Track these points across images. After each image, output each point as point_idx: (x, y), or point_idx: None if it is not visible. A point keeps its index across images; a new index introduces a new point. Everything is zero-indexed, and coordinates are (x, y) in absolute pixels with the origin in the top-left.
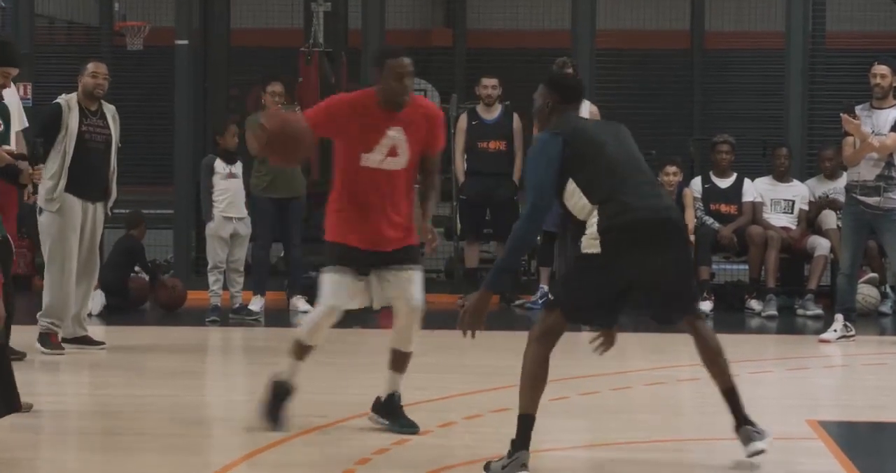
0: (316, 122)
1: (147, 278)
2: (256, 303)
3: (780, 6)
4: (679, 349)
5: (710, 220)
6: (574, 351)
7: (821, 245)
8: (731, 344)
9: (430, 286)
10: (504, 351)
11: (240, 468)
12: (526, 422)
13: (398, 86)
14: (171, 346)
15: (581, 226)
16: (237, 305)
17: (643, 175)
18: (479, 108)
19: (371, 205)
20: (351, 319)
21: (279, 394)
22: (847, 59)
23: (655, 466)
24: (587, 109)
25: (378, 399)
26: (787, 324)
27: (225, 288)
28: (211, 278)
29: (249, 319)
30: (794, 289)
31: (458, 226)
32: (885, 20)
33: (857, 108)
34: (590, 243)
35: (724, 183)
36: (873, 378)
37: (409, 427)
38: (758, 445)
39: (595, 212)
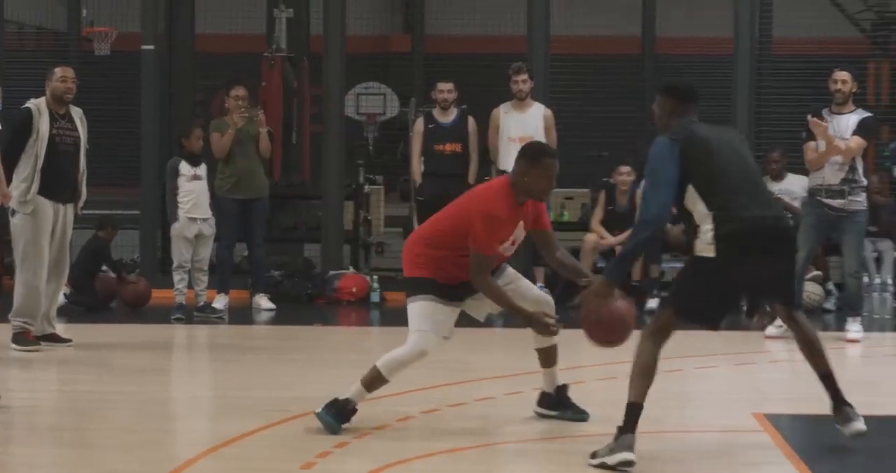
0: (493, 249)
1: (114, 277)
2: (220, 302)
3: (728, 13)
4: (631, 345)
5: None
6: (529, 349)
7: None
8: (678, 340)
9: (390, 284)
10: (460, 347)
11: (204, 461)
12: (634, 410)
13: (549, 186)
14: (137, 343)
15: (693, 229)
16: (202, 303)
17: (756, 183)
18: (436, 112)
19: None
20: (313, 317)
21: (345, 413)
22: (793, 65)
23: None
24: (541, 112)
25: (544, 394)
26: (733, 321)
27: (190, 286)
28: (176, 277)
29: (213, 317)
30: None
31: (416, 225)
32: (830, 26)
33: (824, 111)
34: (705, 247)
35: None
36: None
37: (581, 414)
38: (858, 425)
39: (710, 217)
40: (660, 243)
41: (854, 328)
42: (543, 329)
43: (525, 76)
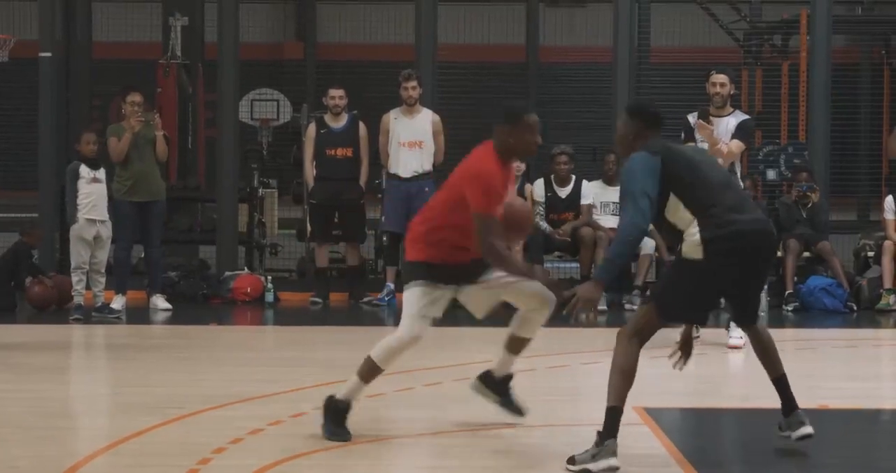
0: (492, 208)
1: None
2: (118, 302)
3: (608, 22)
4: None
5: (543, 225)
6: (421, 347)
7: (646, 244)
8: (564, 337)
9: (283, 285)
10: (352, 346)
11: (102, 457)
12: (615, 414)
13: (536, 139)
14: (36, 343)
15: (678, 236)
16: (100, 304)
17: (738, 188)
18: (328, 117)
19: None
20: (208, 317)
21: (338, 412)
22: (670, 73)
23: (495, 451)
24: (430, 118)
25: (490, 374)
26: (617, 318)
27: (88, 287)
28: (74, 278)
29: (111, 317)
30: (623, 286)
31: (309, 228)
32: (705, 36)
33: (691, 117)
34: (692, 249)
35: (564, 191)
36: (694, 367)
37: (519, 412)
38: (805, 429)
39: (695, 222)
40: (542, 245)
41: (735, 334)
42: (555, 289)
43: (414, 83)
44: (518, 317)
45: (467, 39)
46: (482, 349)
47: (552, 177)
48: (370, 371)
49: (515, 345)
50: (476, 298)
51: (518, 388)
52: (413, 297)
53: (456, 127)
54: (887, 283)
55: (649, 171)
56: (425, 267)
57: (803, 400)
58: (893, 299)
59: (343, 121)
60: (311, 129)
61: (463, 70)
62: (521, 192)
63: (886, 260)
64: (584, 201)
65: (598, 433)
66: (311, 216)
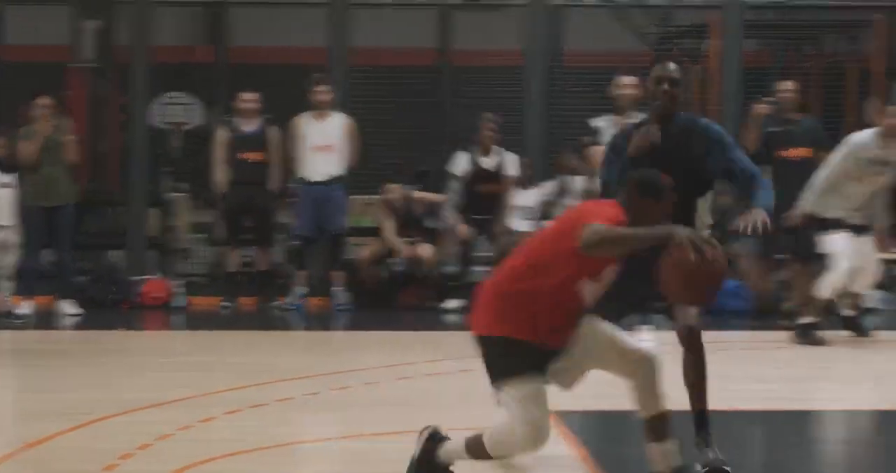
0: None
1: None
2: (26, 307)
3: (521, 26)
4: (422, 345)
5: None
6: (325, 349)
7: None
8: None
9: (194, 289)
10: (262, 350)
11: (7, 464)
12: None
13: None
14: None
15: None
16: (7, 309)
17: None
18: (239, 121)
19: None
20: (118, 321)
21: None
22: (582, 76)
23: (404, 453)
24: (341, 122)
25: None
26: None
27: None
28: None
29: (18, 322)
30: None
31: (221, 232)
32: (618, 39)
33: (600, 120)
34: None
35: (488, 161)
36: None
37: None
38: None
39: None
40: None
41: (645, 337)
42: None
43: (325, 87)
44: (631, 394)
45: (380, 43)
46: (390, 353)
47: (476, 147)
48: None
49: (654, 431)
50: (566, 370)
51: (429, 393)
52: (529, 393)
53: (368, 131)
54: None
55: None
56: (528, 349)
57: (714, 401)
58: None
59: (255, 124)
60: (223, 133)
61: (376, 74)
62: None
63: None
64: (508, 173)
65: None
66: (226, 220)
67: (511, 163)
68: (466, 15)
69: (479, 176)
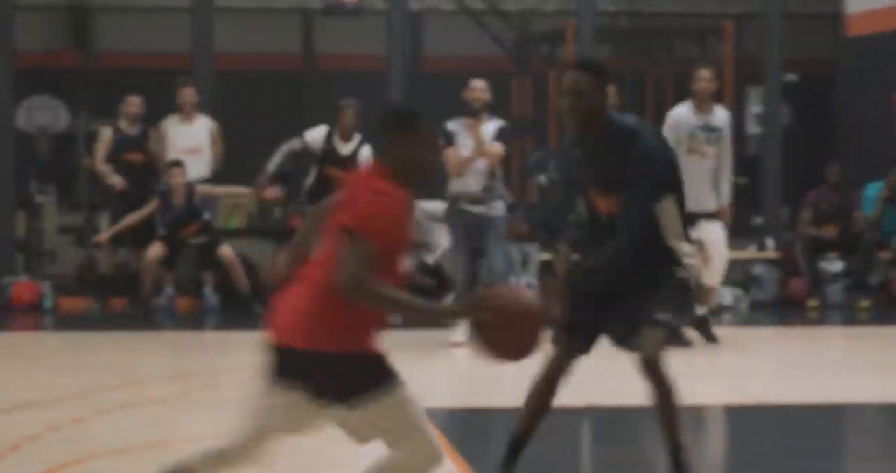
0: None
1: None
2: None
3: (382, 31)
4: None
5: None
6: (195, 349)
7: None
8: None
9: (62, 290)
10: (133, 350)
11: None
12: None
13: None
14: None
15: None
16: None
17: None
18: (123, 124)
19: None
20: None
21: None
22: (443, 81)
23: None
24: (207, 125)
25: None
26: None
27: None
28: None
29: None
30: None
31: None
32: (478, 44)
33: (453, 123)
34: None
35: (346, 147)
36: (467, 368)
37: None
38: None
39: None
40: None
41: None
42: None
43: (190, 90)
44: None
45: (245, 48)
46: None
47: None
48: None
49: None
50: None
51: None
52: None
53: (234, 135)
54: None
55: None
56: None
57: (595, 398)
58: None
59: (137, 128)
60: (107, 134)
61: (241, 78)
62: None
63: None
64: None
65: None
66: (113, 220)
67: (366, 154)
68: (329, 20)
69: (332, 158)
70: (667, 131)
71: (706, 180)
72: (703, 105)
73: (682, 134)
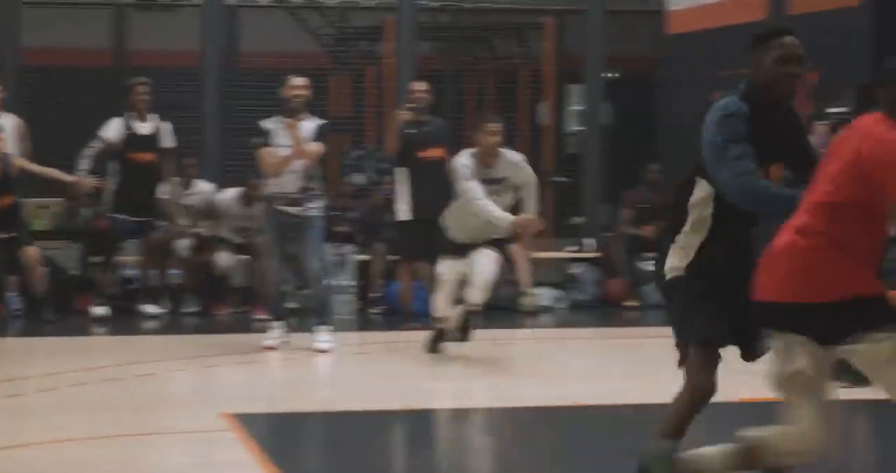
0: None
1: None
2: None
3: (197, 25)
4: (105, 350)
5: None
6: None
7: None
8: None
9: None
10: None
11: None
12: None
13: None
14: None
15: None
16: None
17: None
18: None
19: None
20: None
21: None
22: (259, 77)
23: (78, 463)
24: (11, 123)
25: None
26: (206, 324)
27: None
28: None
29: None
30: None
31: None
32: (296, 39)
33: (270, 122)
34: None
35: (144, 127)
36: (280, 372)
37: None
38: None
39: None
40: None
41: (324, 337)
42: None
43: None
44: None
45: (53, 43)
46: (70, 359)
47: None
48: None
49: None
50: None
51: (109, 398)
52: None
53: (42, 133)
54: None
55: None
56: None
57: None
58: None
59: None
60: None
61: (49, 74)
62: None
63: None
64: (165, 144)
65: None
66: None
67: (167, 133)
68: (142, 15)
69: (134, 143)
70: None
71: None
72: (488, 159)
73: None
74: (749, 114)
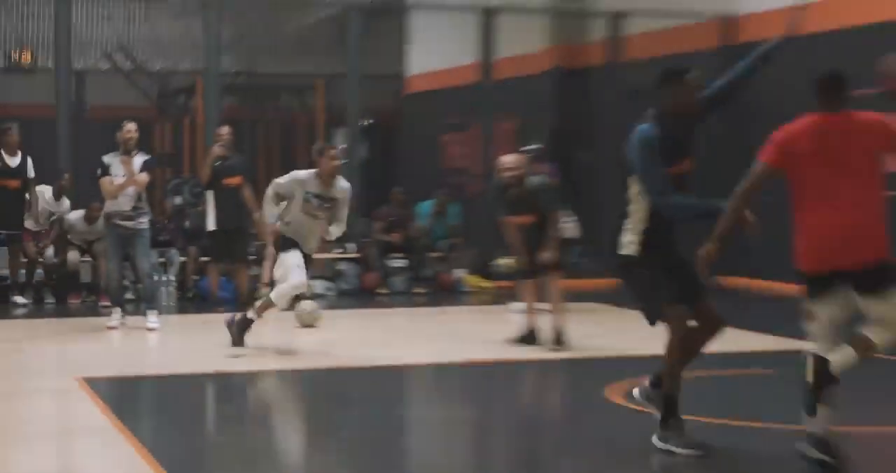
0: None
1: None
2: None
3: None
4: None
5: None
6: None
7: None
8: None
9: None
10: None
11: None
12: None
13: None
14: None
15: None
16: None
17: None
18: None
19: None
20: None
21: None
22: (101, 125)
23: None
24: None
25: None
26: (63, 310)
27: None
28: None
29: None
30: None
31: None
32: (129, 96)
33: (108, 157)
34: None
35: (13, 161)
36: (121, 346)
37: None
38: None
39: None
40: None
41: (153, 319)
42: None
43: None
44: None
45: None
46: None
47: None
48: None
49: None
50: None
51: None
52: None
53: None
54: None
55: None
56: None
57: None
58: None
59: None
60: None
61: None
62: None
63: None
64: (29, 174)
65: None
66: None
67: (30, 166)
68: (8, 76)
69: (4, 173)
70: (286, 181)
71: (316, 232)
72: (329, 179)
73: (298, 192)
74: (661, 132)
